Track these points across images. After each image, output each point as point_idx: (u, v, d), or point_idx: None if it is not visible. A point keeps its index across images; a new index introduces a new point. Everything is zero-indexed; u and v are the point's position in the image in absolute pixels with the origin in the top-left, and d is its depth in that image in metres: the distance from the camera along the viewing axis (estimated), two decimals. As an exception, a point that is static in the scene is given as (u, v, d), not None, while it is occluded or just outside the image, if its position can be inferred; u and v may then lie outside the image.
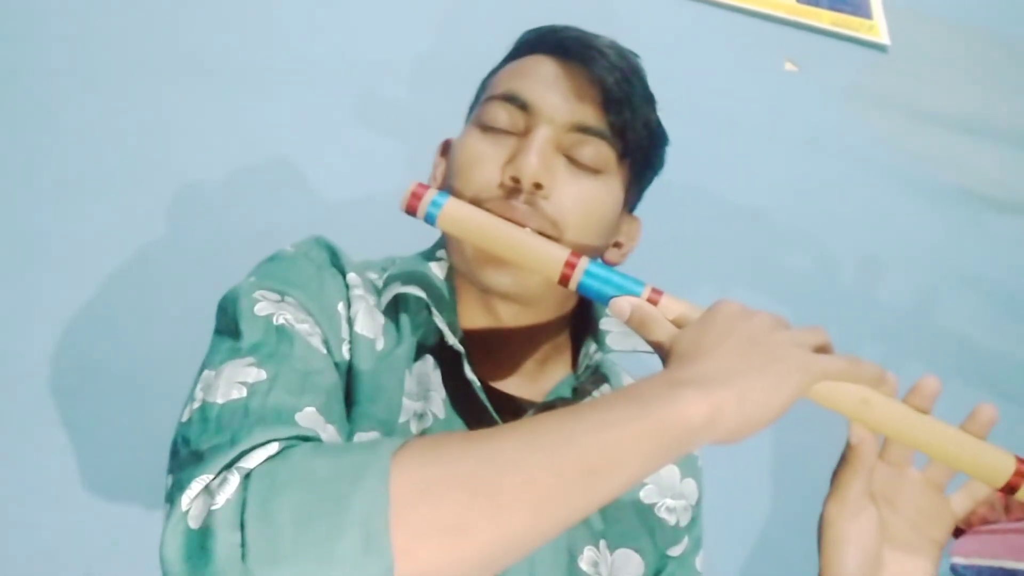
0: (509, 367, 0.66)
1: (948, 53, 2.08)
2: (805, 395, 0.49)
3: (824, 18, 1.99)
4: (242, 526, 0.37)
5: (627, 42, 0.66)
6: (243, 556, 0.36)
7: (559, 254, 0.56)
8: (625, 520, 0.65)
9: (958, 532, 1.10)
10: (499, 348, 0.65)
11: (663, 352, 0.51)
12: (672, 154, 0.71)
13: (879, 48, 1.99)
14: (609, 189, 0.63)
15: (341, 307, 0.59)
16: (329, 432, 0.48)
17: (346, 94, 1.44)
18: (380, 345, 0.60)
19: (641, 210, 0.73)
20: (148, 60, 1.37)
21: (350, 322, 0.59)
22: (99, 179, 1.22)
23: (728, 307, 0.51)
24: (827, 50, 1.95)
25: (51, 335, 1.09)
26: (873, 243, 1.65)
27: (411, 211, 0.59)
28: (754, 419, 0.45)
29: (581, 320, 0.70)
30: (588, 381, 0.67)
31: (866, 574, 0.53)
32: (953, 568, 1.06)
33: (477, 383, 0.60)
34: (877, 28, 2.02)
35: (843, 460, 0.54)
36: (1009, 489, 0.50)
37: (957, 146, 1.87)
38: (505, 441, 0.41)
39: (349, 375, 0.58)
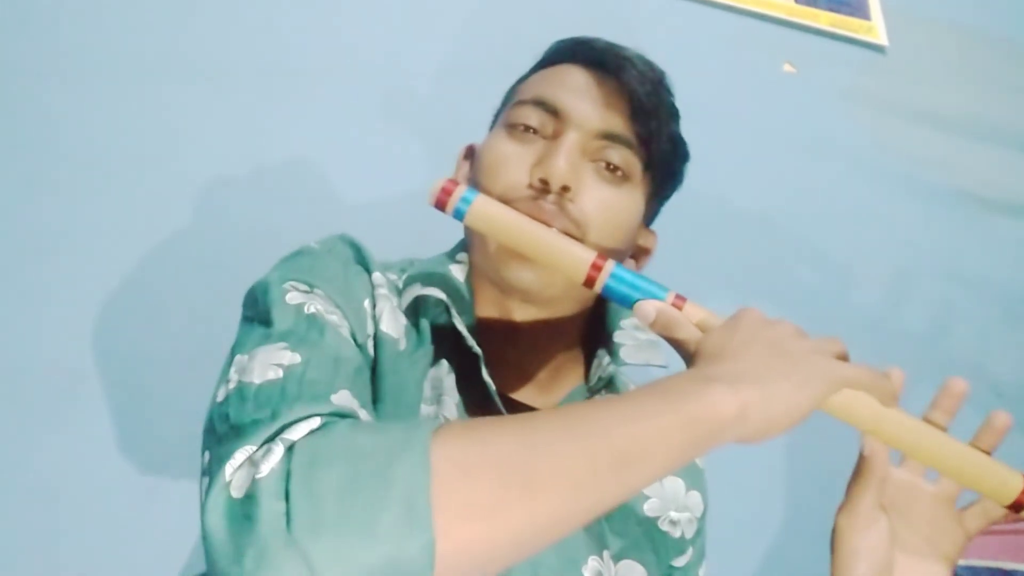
0: (523, 375, 0.66)
1: (946, 54, 2.08)
2: (821, 407, 0.50)
3: (822, 19, 1.99)
4: (287, 496, 0.37)
5: (624, 42, 0.67)
6: (287, 524, 0.36)
7: (586, 256, 0.57)
8: (629, 532, 0.65)
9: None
10: (514, 354, 0.66)
11: (688, 354, 0.53)
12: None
13: (877, 49, 1.99)
14: (631, 197, 0.64)
15: (367, 304, 0.59)
16: (363, 416, 0.48)
17: (368, 94, 1.43)
18: (403, 346, 0.60)
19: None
20: (166, 59, 1.36)
21: (375, 320, 0.59)
22: (116, 178, 1.22)
23: (751, 314, 0.53)
24: (825, 51, 1.95)
25: (56, 335, 1.09)
26: (870, 245, 1.65)
27: (440, 206, 0.59)
28: (777, 420, 0.46)
29: (593, 333, 0.70)
30: (599, 392, 0.67)
31: None
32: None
33: (493, 386, 0.60)
34: (875, 29, 2.02)
35: (855, 472, 0.55)
36: (1016, 507, 0.51)
37: (955, 147, 1.88)
38: (541, 426, 0.42)
39: (373, 372, 0.58)
